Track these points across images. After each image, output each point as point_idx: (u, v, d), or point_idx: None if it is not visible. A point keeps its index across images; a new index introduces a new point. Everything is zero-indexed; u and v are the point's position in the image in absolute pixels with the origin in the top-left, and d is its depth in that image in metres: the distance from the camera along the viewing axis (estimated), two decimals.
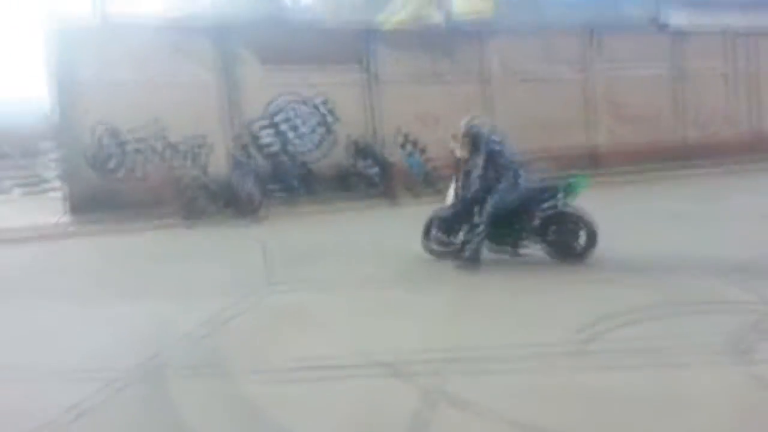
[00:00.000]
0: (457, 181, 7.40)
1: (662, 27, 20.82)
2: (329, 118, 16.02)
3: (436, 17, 23.20)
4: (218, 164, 14.04)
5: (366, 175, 15.42)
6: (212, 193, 12.69)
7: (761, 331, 4.57)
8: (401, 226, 11.81)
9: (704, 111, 20.29)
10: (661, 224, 9.78)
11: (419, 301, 6.05)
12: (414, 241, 7.61)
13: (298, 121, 15.74)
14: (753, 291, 5.55)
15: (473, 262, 6.88)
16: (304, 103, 15.78)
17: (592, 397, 3.66)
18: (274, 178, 14.78)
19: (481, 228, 6.81)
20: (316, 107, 15.87)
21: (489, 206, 6.79)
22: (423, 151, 16.34)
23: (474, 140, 7.05)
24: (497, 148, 6.97)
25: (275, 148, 15.39)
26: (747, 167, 18.30)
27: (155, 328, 5.52)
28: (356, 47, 16.32)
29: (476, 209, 6.89)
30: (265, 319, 5.69)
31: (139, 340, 5.22)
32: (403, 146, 16.66)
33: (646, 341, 4.50)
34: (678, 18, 22.41)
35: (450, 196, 7.48)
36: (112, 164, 14.15)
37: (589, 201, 12.74)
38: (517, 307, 5.59)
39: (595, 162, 18.93)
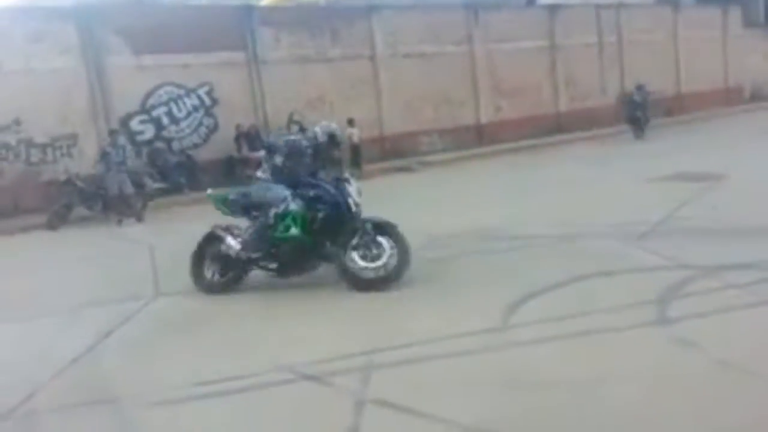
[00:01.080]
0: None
1: (532, 3, 21.70)
2: (212, 106, 15.28)
3: None
4: (92, 163, 12.97)
5: (252, 160, 14.85)
6: (88, 196, 11.69)
7: (679, 293, 4.66)
8: None
9: (578, 82, 21.43)
10: (550, 190, 10.18)
11: (317, 300, 5.62)
12: None
13: (179, 113, 14.88)
14: (658, 253, 5.73)
15: None
16: (185, 92, 14.91)
17: (521, 378, 3.64)
18: (155, 173, 13.93)
19: None
20: (198, 96, 15.06)
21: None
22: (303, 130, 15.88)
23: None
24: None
25: (156, 143, 14.49)
26: (617, 134, 19.62)
27: (30, 355, 4.85)
28: (235, 29, 15.60)
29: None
30: (156, 331, 5.22)
31: (9, 373, 4.51)
32: (289, 128, 16.22)
33: (568, 310, 4.52)
34: None
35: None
36: None
37: (477, 173, 12.91)
38: (424, 296, 5.45)
39: (479, 135, 19.50)
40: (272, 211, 5.78)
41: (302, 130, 16.30)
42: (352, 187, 5.93)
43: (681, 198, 8.21)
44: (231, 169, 15.10)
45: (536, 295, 4.99)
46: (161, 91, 14.58)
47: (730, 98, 24.87)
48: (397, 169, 16.23)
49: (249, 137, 15.12)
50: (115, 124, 13.52)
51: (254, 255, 5.98)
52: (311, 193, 5.90)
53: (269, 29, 16.03)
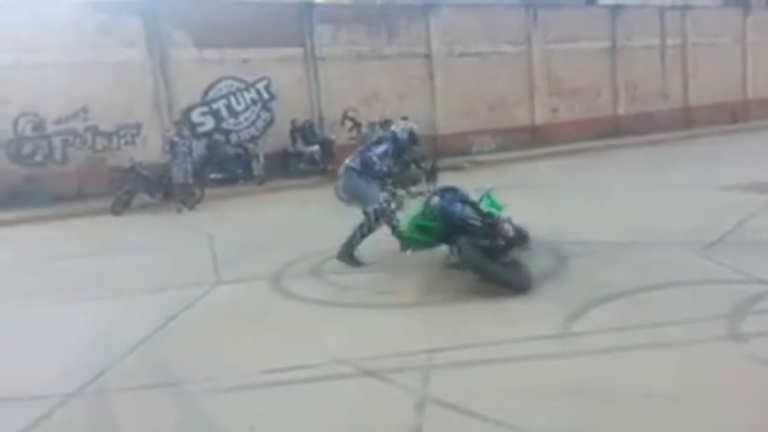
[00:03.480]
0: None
1: (592, 2, 21.22)
2: (269, 100, 15.54)
3: None
4: (154, 152, 13.36)
5: (306, 154, 15.10)
6: (150, 184, 12.08)
7: (754, 308, 4.47)
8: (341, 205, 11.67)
9: (638, 85, 20.86)
10: (609, 194, 9.94)
11: (378, 294, 5.62)
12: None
13: (238, 106, 15.21)
14: (731, 267, 5.51)
15: None
16: (245, 86, 15.22)
17: (584, 388, 3.57)
18: (212, 163, 14.29)
19: None
20: (257, 90, 15.36)
21: None
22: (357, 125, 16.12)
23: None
24: None
25: (215, 134, 14.87)
26: (680, 139, 19.01)
27: (96, 336, 5.00)
28: (295, 25, 15.80)
29: None
30: (218, 317, 5.29)
31: (77, 352, 4.65)
32: (343, 123, 16.43)
33: (633, 321, 4.41)
34: None
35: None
36: (38, 157, 13.30)
37: (530, 174, 12.68)
38: (486, 297, 5.33)
39: (533, 136, 19.19)
40: None
41: (356, 126, 16.52)
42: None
43: (749, 210, 7.87)
44: (285, 163, 15.34)
45: (600, 303, 4.86)
46: (221, 85, 14.92)
47: None
48: (448, 168, 16.14)
49: (303, 132, 15.32)
50: (177, 116, 13.91)
51: None
52: None
53: (327, 26, 16.17)
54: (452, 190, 6.19)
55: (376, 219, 6.54)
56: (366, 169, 6.61)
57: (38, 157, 13.33)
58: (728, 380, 3.52)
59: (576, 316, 4.63)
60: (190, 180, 11.93)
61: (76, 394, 3.97)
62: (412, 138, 7.09)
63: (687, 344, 4.00)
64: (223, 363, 4.32)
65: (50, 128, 13.35)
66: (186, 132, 12.62)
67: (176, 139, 11.92)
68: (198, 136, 14.29)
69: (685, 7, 21.61)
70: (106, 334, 5.08)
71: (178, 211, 11.52)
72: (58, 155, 13.50)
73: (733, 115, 22.19)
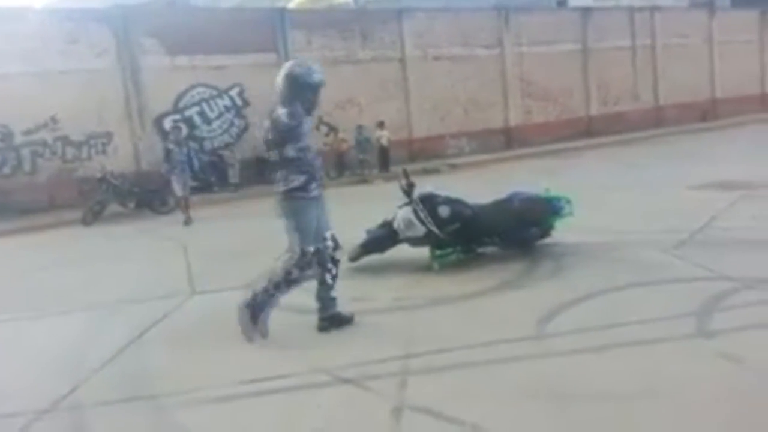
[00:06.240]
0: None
1: (563, 5, 21.53)
2: (243, 107, 15.45)
3: None
4: (125, 161, 13.23)
5: None
6: (122, 193, 11.91)
7: (721, 305, 4.55)
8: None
9: (610, 86, 21.17)
10: (582, 196, 10.02)
11: (353, 303, 5.58)
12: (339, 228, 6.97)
13: (211, 113, 15.09)
14: (701, 265, 5.59)
15: None
16: (217, 93, 15.11)
17: (559, 389, 3.60)
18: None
19: None
20: (230, 97, 15.27)
21: None
22: (333, 130, 16.18)
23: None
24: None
25: (189, 142, 14.75)
26: (651, 139, 19.33)
27: (70, 350, 4.91)
28: (267, 31, 15.76)
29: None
30: (192, 329, 5.24)
31: (50, 367, 4.58)
32: (318, 129, 16.42)
33: (606, 321, 4.46)
34: None
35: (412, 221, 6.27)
36: (6, 169, 13.06)
37: (505, 175, 12.83)
38: (458, 302, 5.43)
39: (508, 138, 19.37)
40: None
41: (332, 130, 16.50)
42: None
43: (717, 208, 8.04)
44: (261, 170, 15.24)
45: (573, 304, 4.93)
46: (194, 92, 14.81)
47: (766, 104, 24.40)
48: (424, 171, 16.20)
49: None
50: (148, 124, 13.77)
51: None
52: None
53: (300, 31, 16.16)
54: (432, 195, 6.33)
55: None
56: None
57: (6, 169, 13.11)
58: (698, 377, 3.59)
59: (549, 317, 4.68)
60: (188, 192, 10.92)
61: (49, 410, 3.90)
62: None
63: (658, 342, 4.06)
64: (199, 374, 4.27)
65: (19, 139, 13.14)
66: (182, 138, 11.63)
67: (171, 146, 10.99)
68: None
69: (654, 8, 22.03)
70: (79, 348, 4.99)
71: (186, 223, 10.74)
72: (27, 166, 13.29)
73: (703, 115, 22.66)
